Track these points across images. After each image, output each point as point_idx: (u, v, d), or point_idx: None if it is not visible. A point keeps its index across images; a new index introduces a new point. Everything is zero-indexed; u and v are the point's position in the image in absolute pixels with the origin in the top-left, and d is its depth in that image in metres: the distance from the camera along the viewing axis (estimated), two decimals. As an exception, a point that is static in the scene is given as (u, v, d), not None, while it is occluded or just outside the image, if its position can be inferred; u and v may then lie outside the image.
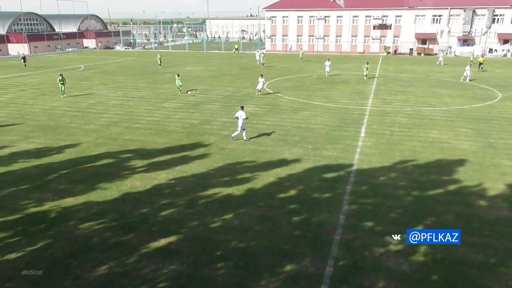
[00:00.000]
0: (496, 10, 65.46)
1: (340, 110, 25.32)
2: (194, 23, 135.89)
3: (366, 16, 71.47)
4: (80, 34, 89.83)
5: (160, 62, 48.81)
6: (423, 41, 69.50)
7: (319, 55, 68.19)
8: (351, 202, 12.40)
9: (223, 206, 12.08)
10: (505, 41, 65.89)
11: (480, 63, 43.87)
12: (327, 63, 40.30)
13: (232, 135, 18.74)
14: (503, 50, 64.25)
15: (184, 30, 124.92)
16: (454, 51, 65.83)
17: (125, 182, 13.94)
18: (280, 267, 9.17)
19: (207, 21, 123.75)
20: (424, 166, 15.51)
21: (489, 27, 65.79)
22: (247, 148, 17.55)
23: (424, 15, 69.00)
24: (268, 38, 78.62)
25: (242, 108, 18.51)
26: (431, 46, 68.58)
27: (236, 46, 75.06)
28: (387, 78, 39.51)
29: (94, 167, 15.48)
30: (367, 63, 39.39)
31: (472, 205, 12.24)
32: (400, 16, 70.06)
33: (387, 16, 70.35)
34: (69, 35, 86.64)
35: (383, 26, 69.08)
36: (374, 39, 72.04)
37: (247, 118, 18.44)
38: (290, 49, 74.70)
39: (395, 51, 69.18)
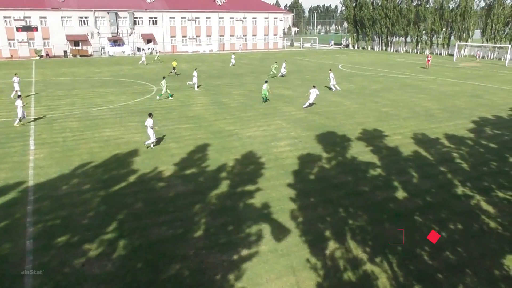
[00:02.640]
0: (135, 13, 72.83)
1: (-3, 125, 21.78)
2: None
3: (5, 17, 63.31)
4: None
5: None
6: (76, 43, 68.85)
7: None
8: (36, 222, 11.13)
9: None
10: (149, 41, 74.81)
11: (174, 67, 42.89)
12: (15, 78, 29.23)
13: (146, 142, 17.95)
14: (148, 48, 72.60)
15: None
16: (108, 51, 68.91)
17: None
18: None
19: None
20: (104, 164, 15.79)
21: (133, 28, 72.63)
22: None
23: (71, 17, 68.11)
24: None
25: (150, 115, 17.92)
26: (85, 47, 68.91)
27: None
28: (46, 83, 36.88)
29: None
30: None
31: (155, 189, 13.58)
32: (45, 17, 66.23)
33: (30, 17, 64.84)
34: None
35: (28, 28, 63.27)
36: (21, 42, 65.10)
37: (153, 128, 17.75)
38: None
39: (48, 54, 65.23)
